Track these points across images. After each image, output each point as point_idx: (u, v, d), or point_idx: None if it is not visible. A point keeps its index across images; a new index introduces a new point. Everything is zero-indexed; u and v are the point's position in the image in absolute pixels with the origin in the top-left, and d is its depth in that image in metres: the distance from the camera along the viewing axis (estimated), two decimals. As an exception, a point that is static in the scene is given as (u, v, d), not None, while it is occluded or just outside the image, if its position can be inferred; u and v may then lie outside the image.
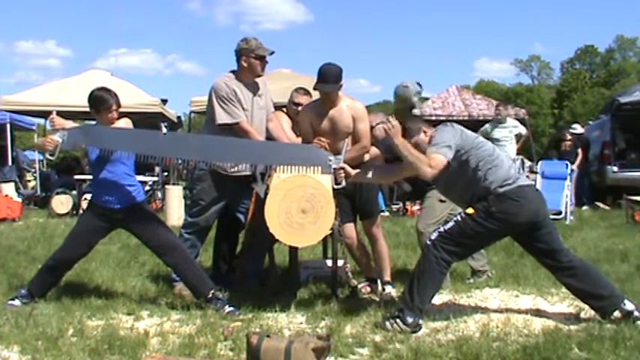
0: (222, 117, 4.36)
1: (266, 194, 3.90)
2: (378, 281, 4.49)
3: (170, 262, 4.08)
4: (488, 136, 9.04)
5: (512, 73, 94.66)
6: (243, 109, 4.40)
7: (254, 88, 4.52)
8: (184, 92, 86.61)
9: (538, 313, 3.83)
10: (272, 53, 4.49)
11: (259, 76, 4.53)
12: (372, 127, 4.62)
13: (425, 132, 3.83)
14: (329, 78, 4.16)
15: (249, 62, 4.42)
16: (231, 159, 4.15)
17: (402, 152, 3.62)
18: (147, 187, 10.41)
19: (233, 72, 4.50)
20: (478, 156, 3.62)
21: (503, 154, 3.79)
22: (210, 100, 4.47)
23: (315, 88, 4.23)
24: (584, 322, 3.58)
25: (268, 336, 2.88)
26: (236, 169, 4.39)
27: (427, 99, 15.25)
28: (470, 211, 3.58)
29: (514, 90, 54.02)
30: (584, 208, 10.21)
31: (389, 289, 4.37)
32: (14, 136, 14.48)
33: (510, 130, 9.22)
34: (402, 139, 3.65)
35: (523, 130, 9.55)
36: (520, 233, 3.68)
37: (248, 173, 4.39)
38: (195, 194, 4.57)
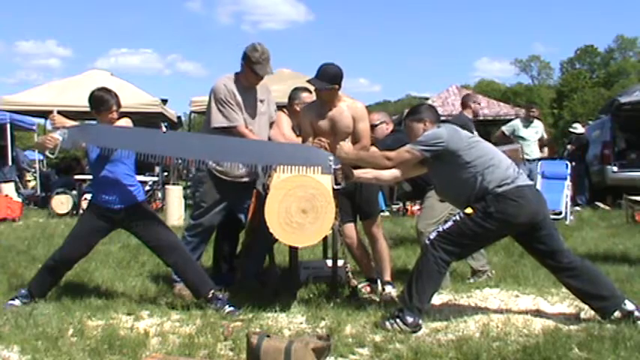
0: (218, 120, 4.34)
1: (266, 194, 3.90)
2: (378, 281, 4.49)
3: (170, 262, 4.07)
4: (516, 132, 9.20)
5: (513, 72, 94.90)
6: (242, 112, 4.39)
7: (255, 93, 4.48)
8: (184, 92, 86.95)
9: (538, 313, 3.82)
10: (262, 75, 4.37)
11: (254, 84, 4.47)
12: (372, 127, 4.63)
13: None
14: (323, 76, 4.14)
15: (247, 71, 4.38)
16: (231, 159, 4.13)
17: (360, 162, 3.94)
18: (147, 187, 10.40)
19: (236, 74, 4.46)
20: (471, 155, 3.61)
21: (501, 154, 3.77)
22: (209, 101, 4.46)
23: (307, 81, 4.22)
24: (584, 322, 3.58)
25: (268, 336, 2.88)
26: (238, 173, 4.39)
27: (427, 98, 15.22)
28: (468, 211, 3.57)
29: (513, 90, 54.05)
30: (578, 208, 10.23)
31: (389, 289, 4.37)
32: (14, 136, 14.48)
33: (537, 131, 9.44)
34: (352, 151, 3.98)
35: (545, 135, 9.77)
36: (520, 234, 3.68)
37: (248, 179, 4.43)
38: (197, 196, 4.55)
